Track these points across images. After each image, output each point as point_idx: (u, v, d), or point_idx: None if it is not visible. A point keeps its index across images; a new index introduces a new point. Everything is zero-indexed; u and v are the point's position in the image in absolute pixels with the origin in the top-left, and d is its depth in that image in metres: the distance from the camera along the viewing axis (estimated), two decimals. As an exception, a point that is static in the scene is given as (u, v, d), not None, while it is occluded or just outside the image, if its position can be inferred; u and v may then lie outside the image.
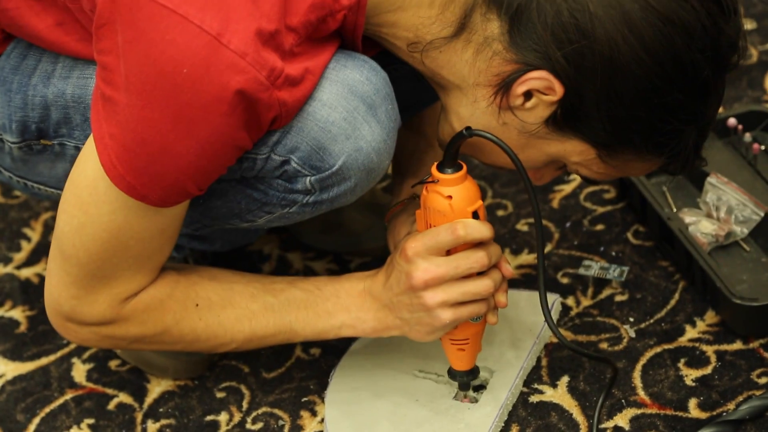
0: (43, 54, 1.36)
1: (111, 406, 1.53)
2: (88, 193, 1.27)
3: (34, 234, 1.79)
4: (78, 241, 1.30)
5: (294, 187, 1.29)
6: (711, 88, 1.21)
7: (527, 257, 1.67)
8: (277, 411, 1.51)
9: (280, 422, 1.49)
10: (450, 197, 1.28)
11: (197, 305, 1.36)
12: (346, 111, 1.24)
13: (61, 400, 1.55)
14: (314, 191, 1.29)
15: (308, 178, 1.27)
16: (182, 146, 1.20)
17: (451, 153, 1.27)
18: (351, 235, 1.70)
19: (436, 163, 1.30)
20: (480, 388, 1.48)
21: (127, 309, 1.34)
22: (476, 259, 1.30)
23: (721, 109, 1.84)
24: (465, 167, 1.29)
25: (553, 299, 1.56)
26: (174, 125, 1.19)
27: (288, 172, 1.27)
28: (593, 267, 1.61)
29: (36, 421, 1.52)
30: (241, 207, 1.35)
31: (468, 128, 1.24)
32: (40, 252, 1.76)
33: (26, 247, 1.77)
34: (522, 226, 1.72)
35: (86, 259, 1.30)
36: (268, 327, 1.38)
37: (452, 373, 1.42)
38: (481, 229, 1.29)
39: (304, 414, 1.50)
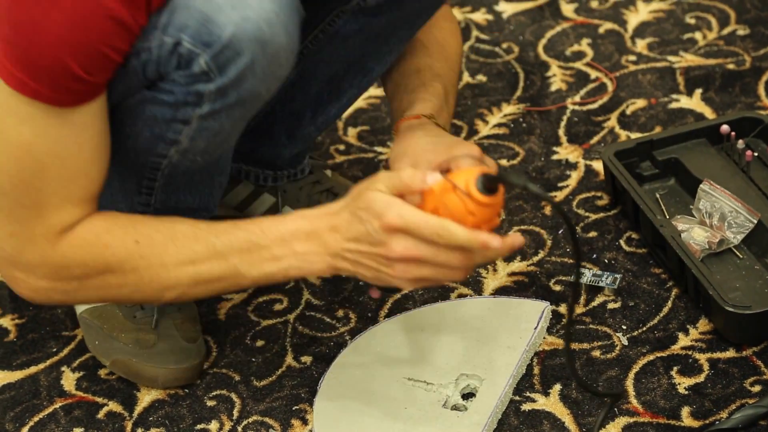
0: None
1: (101, 414, 1.53)
2: None
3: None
4: None
5: (192, 71, 1.27)
6: None
7: (519, 264, 1.66)
8: (267, 419, 1.50)
9: (271, 431, 1.49)
10: (472, 214, 1.24)
11: (137, 242, 1.32)
12: None
13: (50, 409, 1.54)
14: (213, 74, 1.27)
15: (201, 58, 1.26)
16: (50, 20, 1.18)
17: (498, 179, 1.23)
18: None
19: (476, 173, 1.24)
20: (469, 396, 1.47)
21: (65, 243, 1.31)
22: (459, 261, 1.27)
23: (714, 116, 1.85)
24: (502, 191, 1.25)
25: (543, 307, 1.55)
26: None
27: (183, 55, 1.26)
28: (586, 274, 1.60)
29: (25, 430, 1.51)
30: (157, 119, 1.33)
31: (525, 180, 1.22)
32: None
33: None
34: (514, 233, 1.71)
35: (9, 186, 1.28)
36: (213, 270, 1.33)
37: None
38: (467, 242, 1.25)
39: (295, 422, 1.49)
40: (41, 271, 1.33)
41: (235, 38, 1.25)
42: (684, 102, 1.90)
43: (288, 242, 1.31)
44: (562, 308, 1.59)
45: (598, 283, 1.59)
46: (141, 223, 1.34)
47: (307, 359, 1.57)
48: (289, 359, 1.57)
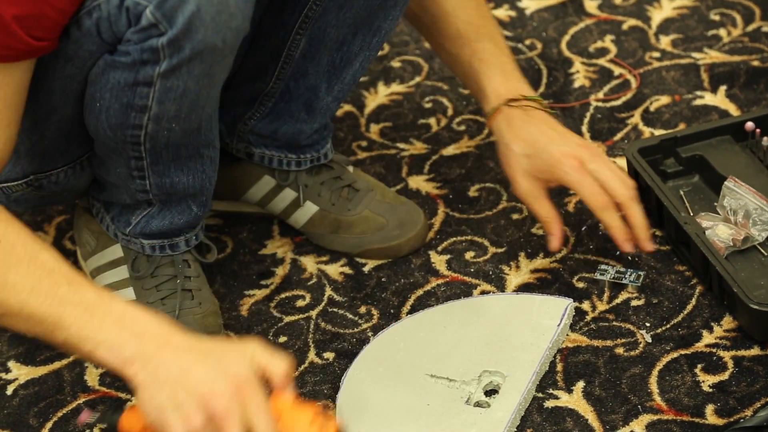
0: None
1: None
2: None
3: (47, 237, 1.79)
4: None
5: (142, 26, 1.29)
6: None
7: (542, 261, 1.66)
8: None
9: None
10: None
11: None
12: None
13: (73, 404, 1.54)
14: (163, 27, 1.28)
15: (148, 9, 1.27)
16: None
17: None
18: (363, 236, 1.69)
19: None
20: (492, 393, 1.46)
21: None
22: None
23: (738, 113, 1.84)
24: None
25: (566, 304, 1.54)
26: None
27: (130, 10, 1.28)
28: (609, 271, 1.59)
29: (48, 425, 1.52)
30: (121, 87, 1.34)
31: None
32: (54, 255, 1.76)
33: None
34: (537, 230, 1.71)
35: None
36: (41, 308, 1.23)
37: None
38: None
39: (317, 419, 1.49)
40: None
41: None
42: (708, 99, 1.89)
43: (124, 333, 1.23)
44: (586, 305, 1.59)
45: (621, 280, 1.58)
46: (13, 226, 1.27)
47: (329, 355, 1.57)
48: (312, 355, 1.57)
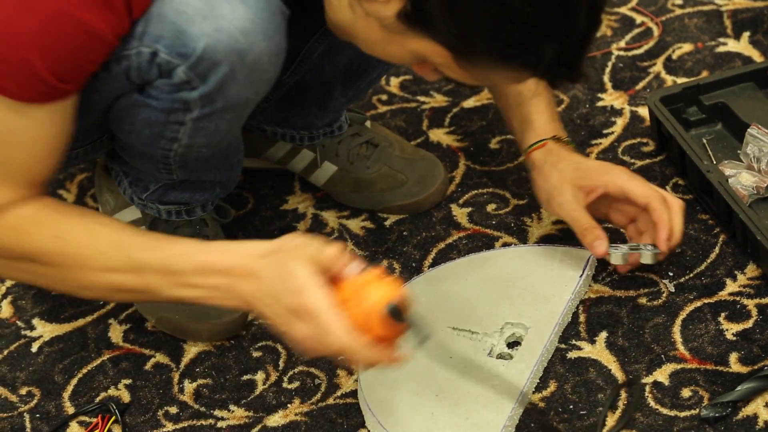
0: None
1: (148, 366, 1.54)
2: None
3: (70, 195, 1.79)
4: None
5: (173, 82, 1.27)
6: (559, 2, 1.14)
7: (564, 212, 1.65)
8: (313, 370, 1.51)
9: (317, 381, 1.49)
10: (371, 329, 1.19)
11: (58, 237, 1.28)
12: None
13: (98, 361, 1.55)
14: (194, 83, 1.27)
15: (180, 68, 1.25)
16: (24, 23, 1.18)
17: (404, 318, 1.20)
18: (383, 193, 1.68)
19: (390, 297, 1.19)
20: (515, 344, 1.46)
21: (11, 217, 1.28)
22: (351, 360, 1.22)
23: (762, 59, 1.82)
24: (405, 326, 1.20)
25: (589, 255, 1.54)
26: (15, 3, 1.18)
27: (162, 66, 1.26)
28: (621, 248, 1.51)
29: (74, 381, 1.53)
30: (153, 122, 1.33)
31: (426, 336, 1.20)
32: (76, 214, 1.77)
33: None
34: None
35: None
36: (128, 282, 1.27)
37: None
38: (367, 360, 1.22)
39: (341, 373, 1.50)
40: None
41: (209, 49, 1.24)
42: (731, 45, 1.87)
43: (205, 274, 1.26)
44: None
45: (638, 249, 1.51)
46: (68, 219, 1.30)
47: (351, 309, 1.57)
48: (334, 310, 1.57)
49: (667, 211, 1.48)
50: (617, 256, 1.49)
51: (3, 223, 1.29)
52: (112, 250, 1.29)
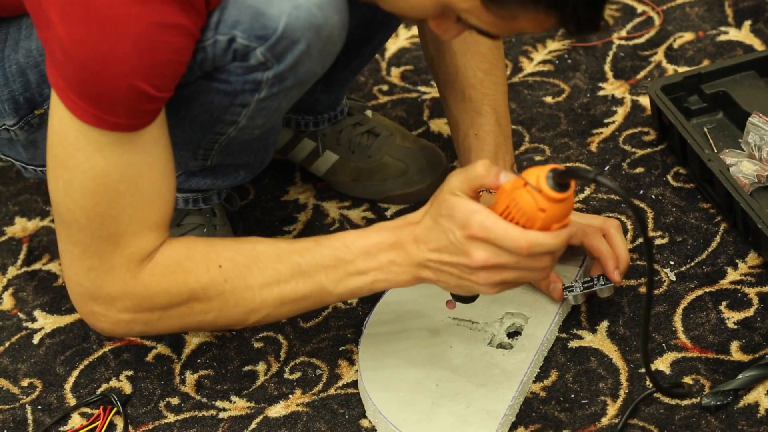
0: (9, 23, 1.34)
1: (149, 357, 1.54)
2: (62, 146, 1.24)
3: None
4: (70, 202, 1.27)
5: (249, 64, 1.26)
6: None
7: (565, 202, 1.65)
8: (314, 360, 1.51)
9: (318, 371, 1.49)
10: (543, 210, 1.21)
11: (220, 266, 1.31)
12: None
13: (99, 353, 1.55)
14: (270, 63, 1.26)
15: (258, 50, 1.25)
16: (119, 51, 1.17)
17: (568, 174, 1.20)
18: (384, 182, 1.68)
19: (546, 169, 1.20)
20: (515, 334, 1.46)
21: (146, 273, 1.30)
22: (541, 263, 1.25)
23: (763, 48, 1.82)
24: (573, 187, 1.21)
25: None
26: (101, 32, 1.17)
27: (238, 50, 1.25)
28: (576, 287, 1.47)
29: (75, 373, 1.53)
30: (215, 106, 1.32)
31: (596, 173, 1.19)
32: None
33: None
34: (560, 171, 1.70)
35: (85, 220, 1.27)
36: (298, 289, 1.31)
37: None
38: (551, 247, 1.24)
39: (342, 363, 1.50)
40: (122, 303, 1.31)
41: (289, 28, 1.23)
42: (733, 34, 1.86)
43: (372, 255, 1.30)
44: (609, 245, 1.58)
45: (593, 287, 1.46)
46: (221, 245, 1.33)
47: (353, 300, 1.57)
48: (335, 300, 1.58)
49: (604, 242, 1.45)
50: (572, 298, 1.46)
51: (157, 269, 1.30)
52: (274, 262, 1.31)
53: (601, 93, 1.80)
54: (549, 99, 1.81)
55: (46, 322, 1.60)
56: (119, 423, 1.46)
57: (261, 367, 1.51)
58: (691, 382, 1.40)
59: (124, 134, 1.23)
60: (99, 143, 1.23)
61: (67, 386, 1.52)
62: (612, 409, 1.39)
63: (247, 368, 1.51)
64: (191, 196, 1.56)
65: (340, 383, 1.47)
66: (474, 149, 1.53)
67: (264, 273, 1.31)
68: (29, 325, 1.60)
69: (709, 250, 1.55)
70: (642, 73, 1.83)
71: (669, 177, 1.66)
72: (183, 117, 1.35)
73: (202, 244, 1.34)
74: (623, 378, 1.42)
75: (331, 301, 1.35)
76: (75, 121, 1.22)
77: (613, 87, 1.81)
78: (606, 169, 1.68)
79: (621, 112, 1.77)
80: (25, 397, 1.51)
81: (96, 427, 1.45)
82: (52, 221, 1.74)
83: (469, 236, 1.23)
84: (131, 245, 1.29)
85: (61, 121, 1.23)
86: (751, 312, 1.47)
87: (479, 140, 1.54)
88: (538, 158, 1.71)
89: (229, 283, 1.31)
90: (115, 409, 1.47)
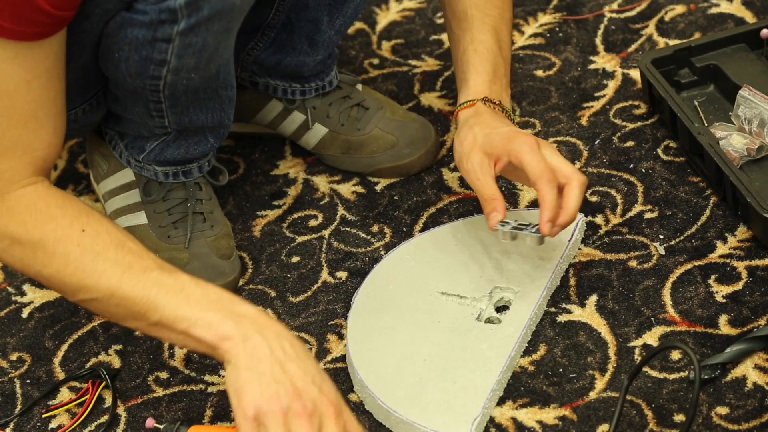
0: None
1: (138, 332, 1.54)
2: None
3: (60, 161, 1.79)
4: None
5: None
6: None
7: (555, 176, 1.65)
8: (303, 335, 1.51)
9: (307, 346, 1.49)
10: None
11: (83, 230, 1.27)
12: None
13: (88, 327, 1.55)
14: None
15: None
16: None
17: None
18: (374, 155, 1.68)
19: None
20: (503, 309, 1.46)
21: (13, 198, 1.27)
22: None
23: (754, 20, 1.81)
24: None
25: (578, 219, 1.53)
26: None
27: None
28: (507, 225, 1.43)
29: (64, 347, 1.53)
30: (139, 40, 1.31)
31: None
32: (67, 179, 1.76)
33: (52, 174, 1.76)
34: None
35: None
36: (134, 291, 1.25)
37: None
38: None
39: (331, 337, 1.50)
40: None
41: None
42: (724, 7, 1.85)
43: (215, 321, 1.24)
44: (599, 219, 1.58)
45: (522, 230, 1.44)
46: (96, 217, 1.30)
47: (342, 274, 1.57)
48: (325, 275, 1.57)
49: (552, 191, 1.38)
50: (502, 233, 1.42)
51: (24, 199, 1.28)
52: (133, 259, 1.26)
53: (591, 66, 1.80)
54: (540, 72, 1.80)
55: (35, 296, 1.60)
56: (108, 397, 1.46)
57: (250, 341, 1.50)
58: (679, 355, 1.40)
59: (7, 42, 1.20)
60: None
61: (56, 360, 1.52)
62: (600, 383, 1.39)
63: (236, 342, 1.51)
64: (171, 170, 1.56)
65: (329, 357, 1.47)
66: (472, 62, 1.51)
67: (116, 261, 1.27)
68: (18, 299, 1.60)
69: (699, 223, 1.55)
70: (633, 47, 1.82)
71: (659, 150, 1.65)
72: (117, 60, 1.34)
73: (78, 204, 1.30)
74: (611, 352, 1.42)
75: (150, 318, 1.26)
76: None
77: (604, 60, 1.80)
78: (596, 143, 1.68)
79: (612, 86, 1.76)
80: (13, 371, 1.51)
81: (85, 401, 1.46)
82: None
83: (296, 389, 1.20)
84: (3, 162, 1.26)
85: None
86: (739, 286, 1.47)
87: (478, 55, 1.51)
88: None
89: (80, 248, 1.27)
90: (103, 383, 1.47)
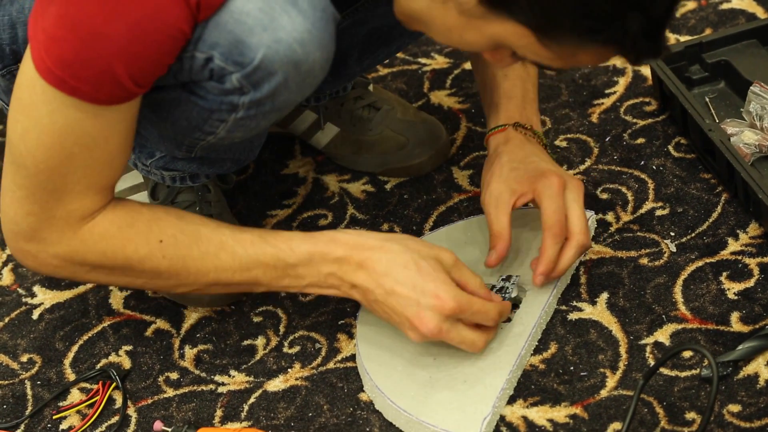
0: None
1: (148, 332, 1.54)
2: (28, 94, 1.24)
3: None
4: (24, 148, 1.27)
5: (225, 87, 1.25)
6: None
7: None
8: (313, 334, 1.50)
9: (317, 345, 1.49)
10: None
11: (161, 241, 1.32)
12: (262, 1, 1.20)
13: (99, 328, 1.55)
14: (246, 90, 1.25)
15: (234, 76, 1.23)
16: (112, 28, 1.17)
17: None
18: (384, 155, 1.67)
19: None
20: (513, 307, 1.46)
21: (85, 231, 1.31)
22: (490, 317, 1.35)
23: (765, 15, 1.80)
24: None
25: (588, 216, 1.52)
26: (102, 6, 1.16)
27: (215, 71, 1.24)
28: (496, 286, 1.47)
29: (74, 348, 1.53)
30: (193, 116, 1.32)
31: None
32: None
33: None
34: (561, 142, 1.69)
35: (34, 169, 1.27)
36: (234, 278, 1.34)
37: None
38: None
39: (341, 337, 1.49)
40: (55, 250, 1.32)
41: (267, 60, 1.22)
42: (735, 2, 1.84)
43: (315, 263, 1.33)
44: (610, 216, 1.57)
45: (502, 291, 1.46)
46: (165, 220, 1.34)
47: (352, 273, 1.56)
48: (335, 274, 1.57)
49: (554, 246, 1.41)
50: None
51: (96, 229, 1.31)
52: (216, 248, 1.33)
53: (602, 63, 1.79)
54: (550, 69, 1.79)
55: (45, 297, 1.60)
56: (118, 398, 1.46)
57: (260, 341, 1.50)
58: (690, 353, 1.39)
59: (87, 104, 1.22)
60: (64, 104, 1.22)
61: (67, 361, 1.52)
62: (611, 381, 1.38)
63: (246, 342, 1.51)
64: (178, 175, 1.55)
65: (339, 357, 1.47)
66: (502, 87, 1.52)
67: (203, 257, 1.33)
68: (29, 300, 1.60)
69: (710, 220, 1.54)
70: (644, 43, 1.81)
71: (670, 147, 1.65)
72: (164, 119, 1.35)
73: (146, 214, 1.34)
74: (623, 350, 1.42)
75: (260, 291, 1.39)
76: (41, 79, 1.21)
77: (614, 57, 1.79)
78: (607, 140, 1.67)
79: (622, 83, 1.76)
80: (24, 373, 1.51)
81: (95, 402, 1.46)
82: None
83: (435, 306, 1.31)
84: (74, 203, 1.30)
85: (33, 71, 1.22)
86: (751, 283, 1.46)
87: (508, 80, 1.53)
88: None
89: (167, 259, 1.32)
90: (114, 384, 1.47)
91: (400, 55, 1.87)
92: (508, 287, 1.44)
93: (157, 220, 1.33)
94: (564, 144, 1.68)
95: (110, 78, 1.20)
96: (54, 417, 1.46)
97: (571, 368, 1.41)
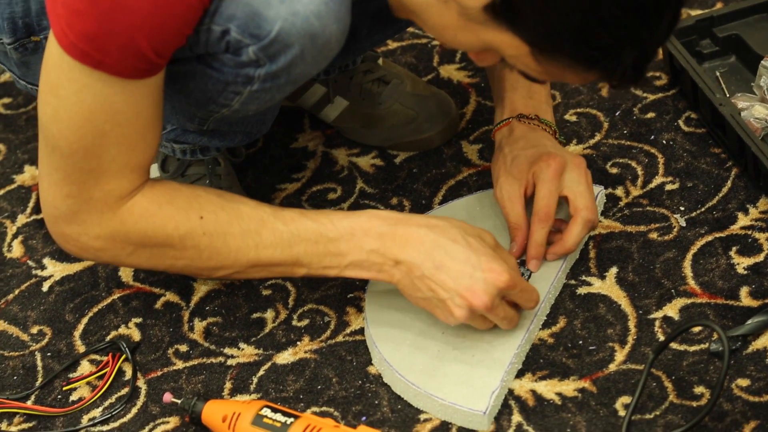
0: None
1: (158, 305, 1.54)
2: (55, 74, 1.24)
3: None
4: (56, 129, 1.27)
5: (241, 60, 1.25)
6: (653, 9, 1.13)
7: (575, 147, 1.64)
8: (322, 308, 1.51)
9: (326, 319, 1.49)
10: None
11: (202, 218, 1.32)
12: None
13: (108, 300, 1.56)
14: (262, 62, 1.25)
15: (250, 48, 1.23)
16: (136, 1, 1.17)
17: None
18: (394, 129, 1.67)
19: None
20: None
21: (125, 210, 1.31)
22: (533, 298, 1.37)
23: (777, -11, 1.79)
24: None
25: (598, 191, 1.52)
26: None
27: (231, 43, 1.24)
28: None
29: (84, 320, 1.54)
30: (208, 88, 1.32)
31: None
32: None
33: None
34: (570, 116, 1.68)
35: (68, 149, 1.28)
36: (275, 256, 1.33)
37: None
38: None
39: (350, 310, 1.50)
40: (95, 232, 1.32)
41: (283, 32, 1.22)
42: (747, -24, 1.83)
43: (357, 238, 1.32)
44: (619, 191, 1.57)
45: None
46: (205, 197, 1.34)
47: (361, 247, 1.57)
48: (344, 247, 1.57)
49: (541, 231, 1.44)
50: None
51: (136, 209, 1.31)
52: (257, 225, 1.33)
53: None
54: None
55: (55, 269, 1.61)
56: (128, 370, 1.47)
57: (269, 314, 1.51)
58: (699, 328, 1.39)
59: (113, 77, 1.22)
60: (91, 79, 1.22)
61: (77, 333, 1.52)
62: (620, 356, 1.39)
63: (255, 315, 1.51)
64: (188, 148, 1.55)
65: (347, 330, 1.47)
66: (507, 78, 1.53)
67: (244, 234, 1.32)
68: (39, 272, 1.61)
69: (720, 195, 1.54)
70: (654, 17, 1.80)
71: (680, 122, 1.64)
72: (179, 91, 1.34)
73: (186, 191, 1.34)
74: (632, 324, 1.42)
75: (298, 275, 1.36)
76: (66, 55, 1.21)
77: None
78: (617, 114, 1.67)
79: (633, 57, 1.75)
80: (34, 344, 1.52)
81: (105, 373, 1.46)
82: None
83: (490, 279, 1.30)
84: (111, 182, 1.30)
85: (59, 49, 1.22)
86: (761, 257, 1.46)
87: (514, 71, 1.52)
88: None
89: (207, 236, 1.32)
90: (123, 356, 1.48)
91: (409, 29, 1.86)
92: (524, 273, 1.44)
93: (196, 197, 1.33)
94: (574, 118, 1.68)
95: (134, 50, 1.20)
96: (64, 388, 1.46)
97: (580, 342, 1.41)
